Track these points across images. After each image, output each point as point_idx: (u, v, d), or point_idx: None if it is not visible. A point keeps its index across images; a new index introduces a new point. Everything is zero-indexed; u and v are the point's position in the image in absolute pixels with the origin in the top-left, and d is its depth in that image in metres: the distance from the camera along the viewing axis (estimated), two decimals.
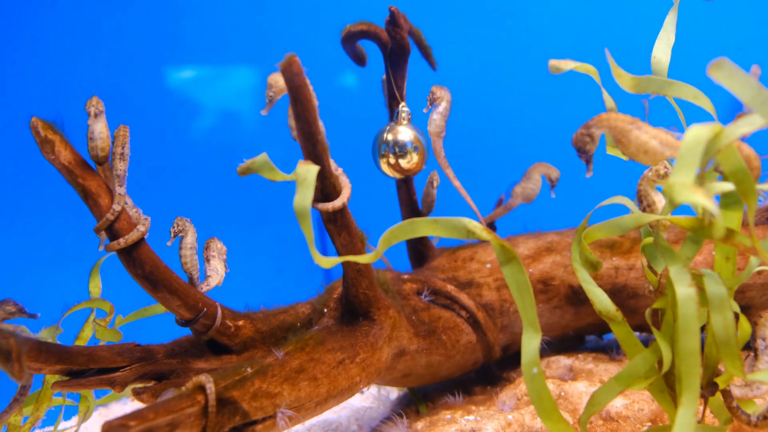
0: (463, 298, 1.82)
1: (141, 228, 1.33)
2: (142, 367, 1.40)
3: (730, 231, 0.95)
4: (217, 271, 1.52)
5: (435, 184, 2.02)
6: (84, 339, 1.91)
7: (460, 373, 1.88)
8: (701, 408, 1.29)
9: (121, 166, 1.33)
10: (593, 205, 1.31)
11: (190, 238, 1.49)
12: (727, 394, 1.15)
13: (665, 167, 1.27)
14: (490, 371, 1.98)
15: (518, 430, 1.53)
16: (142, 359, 1.41)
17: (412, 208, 2.03)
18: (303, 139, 1.26)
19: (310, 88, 1.29)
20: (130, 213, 1.35)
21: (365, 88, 2.92)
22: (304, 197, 1.05)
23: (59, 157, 1.28)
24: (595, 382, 1.72)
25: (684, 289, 0.95)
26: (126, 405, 2.62)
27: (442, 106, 1.90)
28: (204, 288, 1.48)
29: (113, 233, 1.33)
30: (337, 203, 1.36)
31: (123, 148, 1.33)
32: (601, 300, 1.21)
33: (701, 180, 0.98)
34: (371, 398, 2.12)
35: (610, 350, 1.93)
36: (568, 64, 1.36)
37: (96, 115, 1.33)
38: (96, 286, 1.99)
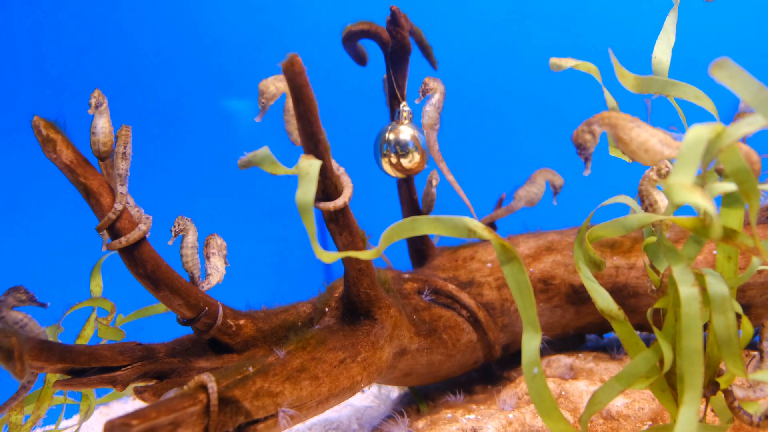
0: (464, 297, 1.82)
1: (142, 227, 1.34)
2: (143, 366, 1.40)
3: (732, 231, 0.95)
4: (217, 269, 1.53)
5: (434, 183, 2.02)
6: (85, 338, 1.91)
7: (460, 372, 1.88)
8: (702, 407, 1.29)
9: (122, 166, 1.34)
10: (593, 204, 1.31)
11: (191, 238, 1.49)
12: (728, 393, 1.15)
13: (666, 166, 1.27)
14: (490, 370, 1.99)
15: (519, 428, 1.53)
16: (144, 358, 1.41)
17: (412, 208, 2.03)
18: (305, 138, 1.26)
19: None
20: (132, 212, 1.36)
21: (366, 88, 2.93)
22: (306, 191, 1.05)
23: (61, 156, 1.29)
24: (595, 381, 1.73)
25: (687, 289, 0.95)
26: (127, 404, 2.63)
27: (435, 98, 1.88)
28: (205, 286, 1.49)
29: (115, 232, 1.33)
30: (339, 202, 1.36)
31: (125, 147, 1.34)
32: (603, 299, 1.21)
33: (703, 180, 0.98)
34: (372, 397, 2.12)
35: (611, 349, 1.93)
36: (568, 62, 1.37)
37: (97, 107, 1.33)
38: (97, 285, 1.99)
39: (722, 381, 1.14)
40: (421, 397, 1.88)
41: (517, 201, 2.05)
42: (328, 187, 1.35)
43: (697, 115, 1.25)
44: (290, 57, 1.17)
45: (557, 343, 2.00)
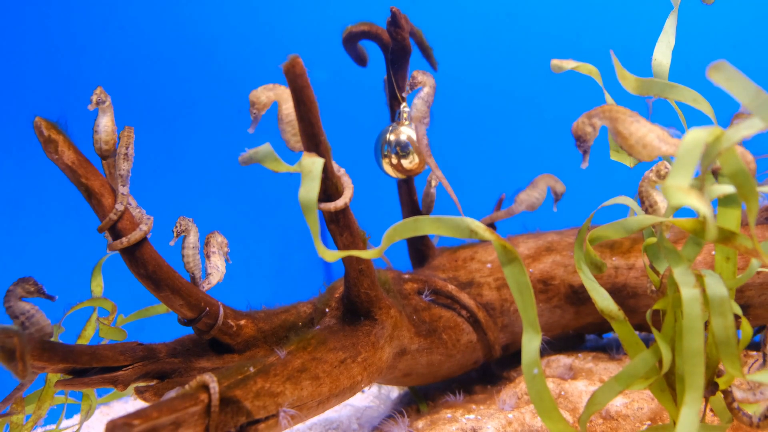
0: (464, 297, 1.83)
1: (143, 227, 1.34)
2: (144, 366, 1.41)
3: (730, 233, 0.96)
4: (217, 269, 1.53)
5: (434, 183, 2.02)
6: (86, 338, 1.91)
7: (460, 372, 1.89)
8: (702, 407, 1.29)
9: (124, 166, 1.34)
10: (593, 205, 1.32)
11: (193, 238, 1.50)
12: (728, 393, 1.16)
13: (666, 167, 1.27)
14: (490, 370, 1.99)
15: (519, 428, 1.54)
16: (145, 358, 1.42)
17: (413, 209, 2.04)
18: (306, 139, 1.27)
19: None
20: (134, 213, 1.36)
21: (366, 89, 2.93)
22: (309, 189, 1.04)
23: (63, 156, 1.29)
24: (594, 381, 1.73)
25: (689, 291, 0.96)
26: (128, 403, 2.63)
27: (425, 92, 1.83)
28: (205, 286, 1.49)
29: (116, 233, 1.33)
30: (340, 203, 1.37)
31: (127, 148, 1.34)
32: (603, 298, 1.22)
33: (701, 182, 0.98)
34: (372, 397, 2.13)
35: (610, 349, 1.93)
36: (570, 64, 1.37)
37: (99, 104, 1.33)
38: (98, 285, 2.00)
39: (721, 382, 1.15)
40: (421, 397, 1.88)
41: (518, 204, 2.05)
42: (328, 188, 1.36)
43: (699, 117, 1.26)
44: (291, 58, 1.18)
45: (557, 343, 2.01)
